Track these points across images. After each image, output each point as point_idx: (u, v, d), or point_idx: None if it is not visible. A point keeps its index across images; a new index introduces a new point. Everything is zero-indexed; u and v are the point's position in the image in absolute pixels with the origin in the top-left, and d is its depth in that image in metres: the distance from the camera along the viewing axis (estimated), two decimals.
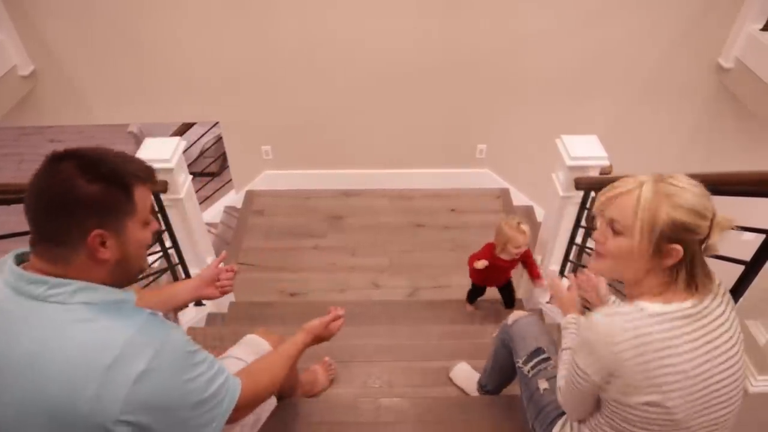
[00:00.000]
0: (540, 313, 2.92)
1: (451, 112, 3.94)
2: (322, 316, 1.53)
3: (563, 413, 1.44)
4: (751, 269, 1.46)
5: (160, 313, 1.09)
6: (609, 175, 2.36)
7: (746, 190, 1.64)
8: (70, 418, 0.92)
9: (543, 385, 1.57)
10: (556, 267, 2.85)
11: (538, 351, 1.65)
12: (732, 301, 1.16)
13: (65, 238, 0.97)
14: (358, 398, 2.03)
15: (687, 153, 4.01)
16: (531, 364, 1.63)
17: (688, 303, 1.08)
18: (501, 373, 1.94)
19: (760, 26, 3.37)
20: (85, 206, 0.96)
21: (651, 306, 1.09)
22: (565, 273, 2.83)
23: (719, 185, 1.57)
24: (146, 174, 1.06)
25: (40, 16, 3.33)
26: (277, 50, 3.58)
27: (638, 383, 1.08)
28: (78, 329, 0.94)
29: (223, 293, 1.58)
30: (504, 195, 4.30)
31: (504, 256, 2.63)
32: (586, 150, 2.42)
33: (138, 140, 5.93)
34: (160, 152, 2.37)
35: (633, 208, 1.10)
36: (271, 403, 1.53)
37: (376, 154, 4.20)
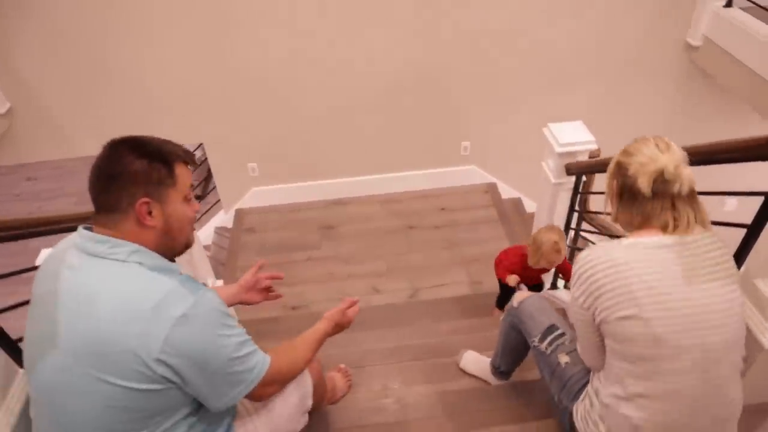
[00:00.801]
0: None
1: (432, 113, 3.99)
2: None
3: (587, 382, 1.48)
4: (752, 233, 1.51)
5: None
6: (598, 158, 2.41)
7: (735, 156, 1.69)
8: (118, 351, 1.04)
9: (564, 359, 1.61)
10: None
11: (551, 328, 1.69)
12: (720, 242, 1.25)
13: (118, 206, 1.13)
14: (381, 399, 2.04)
15: (667, 130, 4.06)
16: (548, 340, 1.67)
17: (668, 238, 1.22)
18: (513, 353, 1.97)
19: (723, 3, 3.49)
20: (134, 178, 1.13)
21: (629, 239, 1.26)
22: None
23: (710, 155, 1.63)
24: (186, 154, 1.23)
25: (12, 52, 3.30)
26: (256, 66, 3.60)
27: (614, 299, 1.21)
28: (131, 278, 1.10)
29: (272, 298, 1.72)
30: (492, 189, 4.35)
31: (535, 266, 2.48)
32: (573, 136, 2.47)
33: None
34: None
35: None
36: (303, 421, 1.54)
37: (361, 160, 4.22)
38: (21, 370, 1.57)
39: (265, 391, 1.28)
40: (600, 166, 2.29)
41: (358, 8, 3.43)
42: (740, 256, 1.54)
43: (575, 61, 3.77)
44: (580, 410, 1.45)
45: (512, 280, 2.49)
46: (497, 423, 1.93)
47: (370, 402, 2.06)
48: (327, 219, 4.17)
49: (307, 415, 1.57)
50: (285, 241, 3.98)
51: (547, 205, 2.74)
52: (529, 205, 4.33)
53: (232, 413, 1.38)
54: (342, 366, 2.15)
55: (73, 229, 1.19)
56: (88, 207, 1.23)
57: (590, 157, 2.50)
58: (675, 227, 1.23)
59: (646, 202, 1.24)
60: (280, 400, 1.42)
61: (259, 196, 4.27)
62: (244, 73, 3.61)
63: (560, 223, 2.75)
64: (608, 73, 3.85)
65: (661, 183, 1.22)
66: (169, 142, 1.22)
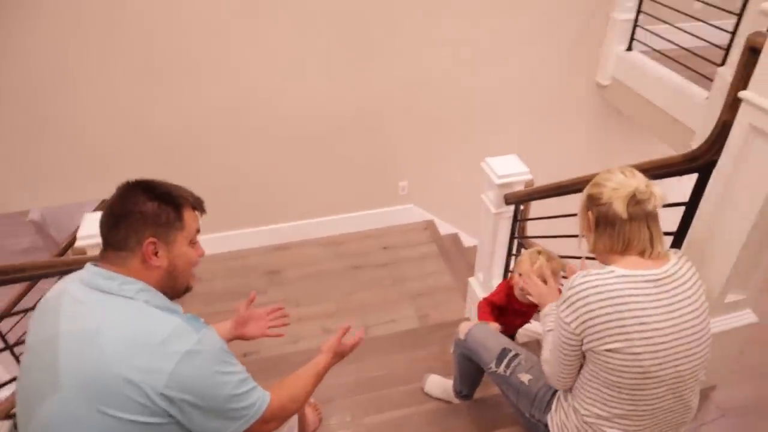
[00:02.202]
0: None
1: (370, 155, 4.15)
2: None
3: (554, 392, 1.58)
4: (678, 239, 1.72)
5: None
6: (533, 188, 2.61)
7: (659, 174, 1.93)
8: (122, 384, 1.05)
9: (525, 378, 1.68)
10: (498, 281, 3.05)
11: (504, 351, 1.77)
12: (693, 268, 1.35)
13: (126, 244, 1.18)
14: (353, 429, 2.09)
15: (587, 159, 4.48)
16: (504, 363, 1.74)
17: (653, 271, 1.29)
18: (470, 378, 2.07)
19: (624, 48, 3.92)
20: (143, 218, 1.19)
21: (619, 269, 1.30)
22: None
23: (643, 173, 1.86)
24: (195, 200, 1.31)
25: None
26: (193, 116, 3.64)
27: (606, 331, 1.27)
28: (138, 314, 1.14)
29: (272, 334, 1.74)
30: (430, 226, 4.53)
31: (520, 297, 2.22)
32: (510, 168, 2.66)
33: (40, 228, 5.62)
34: None
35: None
36: None
37: (303, 205, 4.30)
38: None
39: (265, 428, 1.29)
40: (535, 194, 2.50)
41: (294, 55, 3.57)
42: (678, 238, 1.73)
43: (503, 104, 4.08)
44: (555, 420, 1.52)
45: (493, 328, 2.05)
46: None
47: None
48: (272, 264, 4.19)
49: None
50: (232, 288, 3.95)
51: (489, 234, 2.91)
52: (467, 240, 4.53)
53: None
54: (312, 401, 2.18)
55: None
56: None
57: (526, 187, 2.71)
58: (651, 252, 1.33)
59: (624, 225, 1.32)
60: None
61: (202, 245, 4.23)
62: (180, 123, 3.64)
63: (502, 251, 2.93)
64: (533, 112, 4.18)
65: (636, 204, 1.31)
66: (180, 188, 1.29)
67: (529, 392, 1.66)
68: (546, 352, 1.49)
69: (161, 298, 1.21)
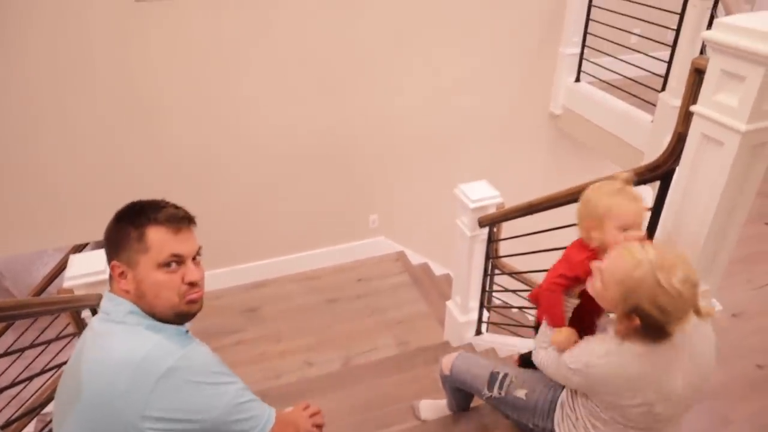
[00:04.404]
0: (470, 347, 3.21)
1: (340, 191, 4.27)
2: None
3: (556, 399, 1.64)
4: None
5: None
6: (507, 209, 2.77)
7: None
8: (108, 415, 1.04)
9: (521, 393, 1.71)
10: (475, 302, 3.19)
11: (494, 375, 1.80)
12: (708, 326, 1.35)
13: (108, 268, 1.20)
14: None
15: (546, 182, 4.72)
16: (496, 386, 1.77)
17: (665, 344, 1.27)
18: (464, 400, 2.14)
19: (573, 79, 4.22)
20: (108, 241, 1.19)
21: (634, 347, 1.29)
22: (484, 304, 3.19)
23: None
24: (168, 217, 1.20)
25: None
26: (159, 158, 3.68)
27: (620, 395, 1.31)
28: (121, 336, 1.12)
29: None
30: (401, 257, 4.65)
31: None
32: (482, 193, 2.83)
33: None
34: (91, 265, 2.34)
35: (621, 276, 1.25)
36: None
37: (276, 242, 4.35)
38: None
39: None
40: (510, 214, 2.67)
41: (263, 93, 3.68)
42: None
43: (466, 135, 4.31)
44: (564, 429, 1.56)
45: (562, 335, 1.52)
46: None
47: None
48: (248, 302, 4.21)
49: None
50: (211, 327, 3.94)
51: (465, 257, 3.05)
52: (437, 269, 4.67)
53: None
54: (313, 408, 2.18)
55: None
56: None
57: (497, 209, 2.88)
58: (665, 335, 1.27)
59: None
60: None
61: None
62: (147, 166, 3.66)
63: (478, 272, 3.07)
64: (494, 142, 4.43)
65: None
66: (155, 205, 1.21)
67: (528, 405, 1.69)
68: (540, 352, 1.58)
69: (149, 319, 1.17)
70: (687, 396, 1.32)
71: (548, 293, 1.58)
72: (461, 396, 2.09)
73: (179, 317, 1.20)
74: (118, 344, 1.09)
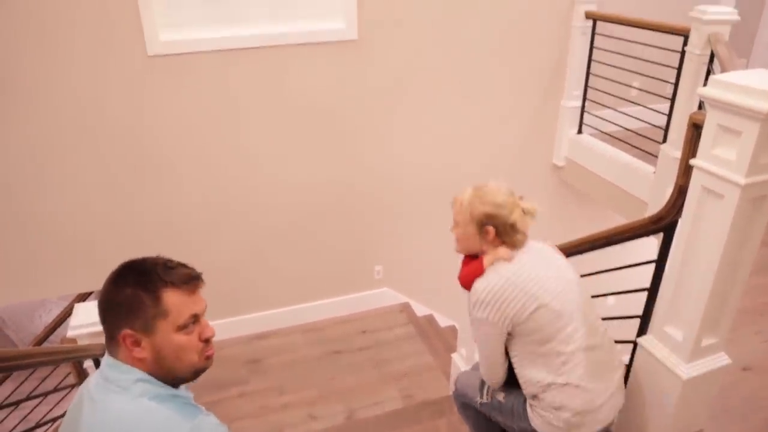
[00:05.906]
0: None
1: (345, 242, 4.29)
2: None
3: (524, 399, 1.73)
4: (651, 295, 1.89)
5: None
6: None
7: (607, 242, 2.15)
8: None
9: (500, 396, 1.85)
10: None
11: (482, 382, 1.90)
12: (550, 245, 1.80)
13: (111, 336, 1.12)
14: None
15: (551, 232, 4.71)
16: (484, 392, 1.90)
17: (518, 251, 1.68)
18: (484, 427, 2.11)
19: (575, 131, 4.29)
20: (116, 309, 1.11)
21: (500, 264, 1.66)
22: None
23: (594, 242, 2.07)
24: (181, 277, 1.16)
25: None
26: (165, 210, 3.72)
27: (520, 302, 1.58)
28: (129, 411, 1.06)
29: None
30: (406, 309, 4.62)
31: None
32: None
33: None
34: (96, 315, 2.34)
35: (460, 208, 1.77)
36: None
37: (280, 293, 4.34)
38: None
39: None
40: None
41: (268, 146, 3.75)
42: (647, 312, 1.90)
43: (471, 185, 4.33)
44: (536, 419, 1.68)
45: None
46: None
47: None
48: (251, 353, 4.16)
49: None
50: (213, 379, 3.88)
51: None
52: (442, 320, 4.63)
53: None
54: None
55: None
56: None
57: None
58: (516, 245, 1.71)
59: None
60: None
61: None
62: (153, 217, 3.71)
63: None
64: None
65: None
66: (164, 265, 1.17)
67: (506, 408, 1.81)
68: (480, 359, 1.73)
69: (159, 387, 1.12)
70: (566, 289, 1.65)
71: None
72: (476, 419, 2.07)
73: (197, 374, 1.19)
74: (124, 421, 1.06)
